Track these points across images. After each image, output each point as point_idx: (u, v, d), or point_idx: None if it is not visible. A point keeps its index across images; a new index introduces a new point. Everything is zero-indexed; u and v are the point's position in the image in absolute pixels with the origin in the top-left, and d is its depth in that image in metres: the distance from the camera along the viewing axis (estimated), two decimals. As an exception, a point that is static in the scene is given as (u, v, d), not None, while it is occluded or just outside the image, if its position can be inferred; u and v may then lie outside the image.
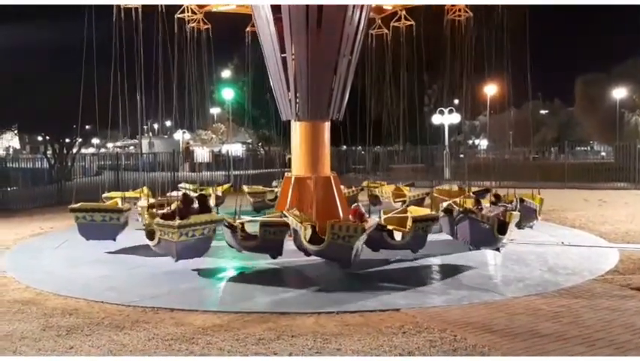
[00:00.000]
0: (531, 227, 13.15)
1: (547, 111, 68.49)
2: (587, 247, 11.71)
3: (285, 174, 14.10)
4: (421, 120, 18.17)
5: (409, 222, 10.66)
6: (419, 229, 10.63)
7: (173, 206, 10.48)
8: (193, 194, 13.76)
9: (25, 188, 23.09)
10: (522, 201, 12.59)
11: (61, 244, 12.77)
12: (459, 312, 7.39)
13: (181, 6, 15.46)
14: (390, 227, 11.05)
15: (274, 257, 10.29)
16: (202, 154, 44.10)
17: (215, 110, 53.87)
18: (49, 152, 34.47)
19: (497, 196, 12.37)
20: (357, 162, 35.49)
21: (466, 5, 15.09)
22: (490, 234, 10.83)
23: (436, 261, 10.67)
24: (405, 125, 17.83)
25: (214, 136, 56.04)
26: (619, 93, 46.69)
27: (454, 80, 15.88)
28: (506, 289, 8.49)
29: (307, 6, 12.16)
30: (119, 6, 13.54)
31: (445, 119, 34.12)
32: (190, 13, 15.60)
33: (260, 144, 49.22)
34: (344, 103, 13.40)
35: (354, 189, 17.44)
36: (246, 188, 17.21)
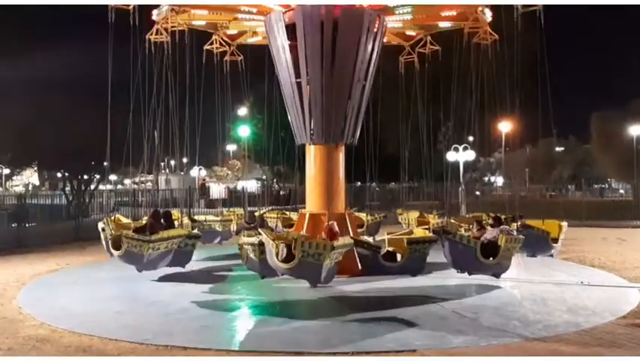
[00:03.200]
0: (552, 255, 13.06)
1: (562, 148, 68.16)
2: (606, 287, 11.48)
3: (300, 210, 14.14)
4: (436, 157, 17.99)
5: (404, 244, 10.47)
6: (415, 251, 10.42)
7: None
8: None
9: (42, 224, 23.33)
10: (527, 227, 12.37)
11: (77, 280, 12.83)
12: (477, 353, 7.23)
13: (210, 37, 15.72)
14: (390, 249, 10.89)
15: (262, 277, 10.36)
16: (218, 190, 44.34)
17: (231, 147, 54.42)
18: (67, 188, 34.91)
19: (497, 219, 12.22)
20: (372, 199, 35.36)
21: (490, 28, 14.57)
22: (471, 256, 10.56)
23: (452, 299, 10.48)
24: (420, 161, 17.77)
25: (230, 172, 56.42)
26: (636, 130, 46.29)
27: (470, 115, 15.62)
28: (525, 330, 8.30)
29: (322, 32, 12.48)
30: (149, 39, 13.82)
31: (460, 156, 34.09)
32: (218, 45, 15.84)
33: (275, 180, 49.43)
34: (358, 127, 13.54)
35: (376, 216, 17.41)
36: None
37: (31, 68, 30.19)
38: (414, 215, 16.96)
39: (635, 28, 73.81)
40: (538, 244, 12.47)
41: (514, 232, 11.95)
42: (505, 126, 35.74)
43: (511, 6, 13.25)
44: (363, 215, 17.24)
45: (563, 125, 57.79)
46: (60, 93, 30.94)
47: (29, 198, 25.63)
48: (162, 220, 12.29)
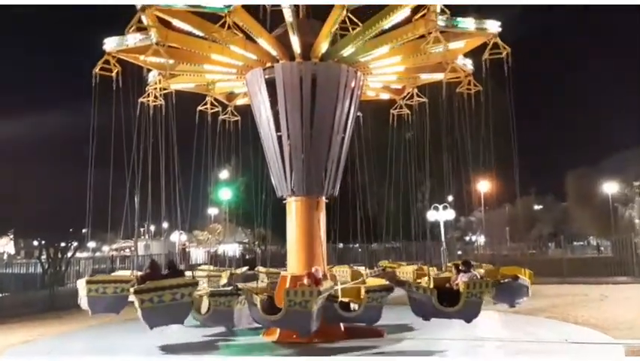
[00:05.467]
0: (519, 303, 12.86)
1: (541, 206, 68.98)
2: (591, 344, 11.42)
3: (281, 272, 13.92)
4: (417, 216, 17.79)
5: (362, 293, 10.40)
6: (372, 300, 10.30)
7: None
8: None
9: (16, 294, 22.68)
10: (516, 278, 12.37)
11: (51, 351, 12.37)
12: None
13: (204, 99, 15.97)
14: (345, 299, 10.78)
15: (229, 328, 10.09)
16: (197, 255, 43.82)
17: (212, 211, 54.13)
18: (43, 256, 34.16)
19: (466, 263, 12.09)
20: (354, 260, 35.15)
21: (475, 80, 14.33)
22: (429, 304, 10.50)
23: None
24: (400, 221, 17.69)
25: (211, 236, 55.91)
26: (610, 188, 47.24)
27: (449, 172, 15.38)
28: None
29: (301, 87, 12.86)
30: (142, 102, 13.77)
31: (440, 215, 34.29)
32: (210, 106, 16.07)
33: (256, 243, 49.03)
34: (338, 179, 13.68)
35: (375, 270, 17.07)
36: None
37: (7, 134, 30.24)
38: (411, 268, 16.65)
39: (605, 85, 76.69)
40: (518, 292, 12.40)
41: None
42: (483, 185, 36.27)
43: (480, 53, 13.22)
44: (362, 268, 16.92)
45: (540, 184, 58.67)
46: (38, 159, 30.91)
47: (3, 268, 24.98)
48: (168, 269, 11.32)
